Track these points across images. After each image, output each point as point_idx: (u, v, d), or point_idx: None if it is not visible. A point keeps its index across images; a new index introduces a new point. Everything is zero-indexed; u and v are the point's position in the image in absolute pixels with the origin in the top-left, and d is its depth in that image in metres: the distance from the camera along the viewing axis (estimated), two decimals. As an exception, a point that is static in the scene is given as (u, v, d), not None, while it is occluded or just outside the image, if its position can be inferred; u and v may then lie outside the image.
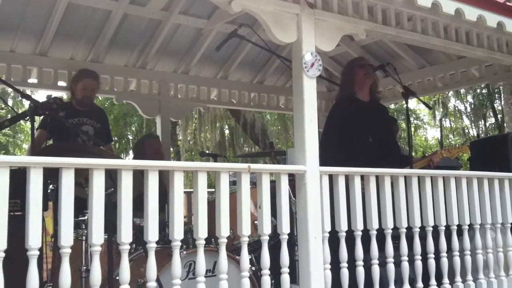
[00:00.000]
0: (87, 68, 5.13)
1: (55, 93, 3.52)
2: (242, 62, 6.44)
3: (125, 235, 2.47)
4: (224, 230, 2.82)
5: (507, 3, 3.89)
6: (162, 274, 3.01)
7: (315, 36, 3.33)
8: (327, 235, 3.21)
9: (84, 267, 3.21)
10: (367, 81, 4.45)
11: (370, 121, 4.34)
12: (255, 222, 3.49)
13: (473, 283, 3.85)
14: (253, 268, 3.63)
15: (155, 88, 6.06)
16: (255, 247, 3.82)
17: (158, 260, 2.60)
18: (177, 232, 2.64)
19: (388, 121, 4.86)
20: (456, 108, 22.32)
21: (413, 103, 19.94)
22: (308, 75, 3.22)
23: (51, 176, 2.67)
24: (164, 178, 2.94)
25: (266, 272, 2.93)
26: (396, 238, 3.55)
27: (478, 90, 19.77)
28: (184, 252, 3.30)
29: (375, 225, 3.42)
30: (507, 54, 4.58)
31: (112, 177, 2.64)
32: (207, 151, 13.71)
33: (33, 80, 5.35)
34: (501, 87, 12.86)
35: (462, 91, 19.22)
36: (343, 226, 3.29)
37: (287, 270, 3.00)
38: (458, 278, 3.80)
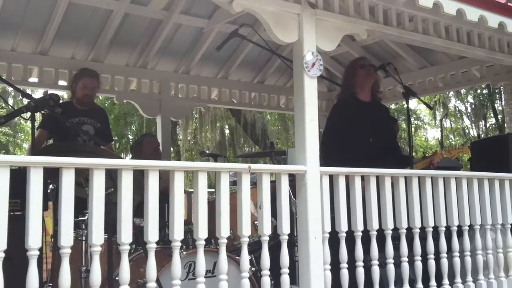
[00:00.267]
0: (87, 67, 5.13)
1: (56, 92, 3.50)
2: (243, 62, 6.44)
3: (125, 235, 2.47)
4: (224, 231, 2.82)
5: (509, 4, 3.89)
6: (162, 275, 3.01)
7: (316, 36, 3.33)
8: (327, 235, 3.21)
9: (84, 267, 3.20)
10: (368, 81, 4.45)
11: (371, 121, 4.33)
12: (255, 222, 3.48)
13: (473, 284, 3.85)
14: (253, 269, 3.63)
15: (155, 87, 6.06)
16: (255, 248, 3.81)
17: (158, 260, 2.60)
18: (177, 233, 2.64)
19: (389, 121, 4.85)
20: (457, 109, 22.33)
21: (413, 103, 19.96)
22: (309, 75, 3.22)
23: (51, 175, 2.66)
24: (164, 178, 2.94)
25: (266, 272, 2.93)
26: (396, 239, 3.55)
27: (479, 91, 19.78)
28: (184, 253, 3.29)
29: (375, 225, 3.42)
30: (508, 54, 4.58)
31: (112, 177, 2.64)
32: (207, 151, 13.72)
33: (33, 79, 5.35)
34: (501, 87, 12.87)
35: (463, 91, 19.24)
36: (343, 227, 3.29)
37: (287, 270, 3.00)
38: (458, 279, 3.79)
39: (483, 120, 21.52)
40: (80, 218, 3.24)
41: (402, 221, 3.54)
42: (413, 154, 4.71)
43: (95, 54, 5.51)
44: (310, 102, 3.22)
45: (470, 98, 21.27)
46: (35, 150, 3.58)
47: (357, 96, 4.43)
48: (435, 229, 3.75)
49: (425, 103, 5.07)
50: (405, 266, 3.51)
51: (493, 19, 3.74)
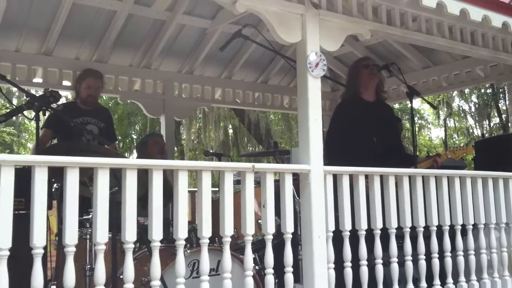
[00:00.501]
0: (91, 67, 5.14)
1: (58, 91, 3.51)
2: (246, 62, 6.45)
3: (130, 234, 2.48)
4: (228, 229, 2.83)
5: (512, 4, 3.89)
6: (166, 273, 3.02)
7: (320, 36, 3.33)
8: (331, 234, 3.21)
9: (88, 266, 3.22)
10: (372, 81, 4.45)
11: (375, 121, 4.34)
12: (259, 221, 3.49)
13: (477, 283, 3.84)
14: (257, 267, 3.64)
15: (159, 87, 6.08)
16: (259, 246, 3.82)
17: (162, 259, 2.61)
18: (182, 231, 2.65)
19: (393, 121, 4.85)
20: (461, 108, 22.28)
21: (417, 102, 19.96)
22: (312, 75, 3.23)
23: (56, 175, 2.68)
24: (168, 177, 2.95)
25: (269, 271, 2.94)
26: (400, 238, 3.55)
27: (483, 90, 19.72)
28: (188, 251, 3.30)
29: (379, 224, 3.42)
30: (512, 54, 4.58)
31: (116, 176, 2.65)
32: (211, 151, 13.72)
33: (38, 79, 5.37)
34: (505, 87, 12.85)
35: (467, 91, 19.19)
36: (347, 226, 3.29)
37: (291, 269, 3.01)
38: (462, 278, 3.79)
39: (487, 120, 21.46)
40: (84, 217, 3.25)
41: (406, 220, 3.54)
42: (417, 153, 4.70)
43: (99, 54, 5.53)
44: (314, 102, 3.23)
45: (474, 98, 21.22)
46: (39, 149, 3.60)
47: (361, 95, 4.43)
48: (439, 228, 3.75)
49: (429, 103, 5.05)
50: (409, 265, 3.51)
51: (497, 19, 3.74)
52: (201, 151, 17.07)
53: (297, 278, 3.22)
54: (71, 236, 2.32)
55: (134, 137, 20.77)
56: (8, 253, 2.14)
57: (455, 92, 18.78)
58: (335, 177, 3.32)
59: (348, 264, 3.25)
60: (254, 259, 3.66)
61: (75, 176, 2.35)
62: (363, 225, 3.35)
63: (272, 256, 2.96)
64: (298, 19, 3.28)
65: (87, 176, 2.91)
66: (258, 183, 3.16)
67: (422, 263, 3.58)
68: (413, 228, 3.60)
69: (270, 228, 2.99)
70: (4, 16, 4.71)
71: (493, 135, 19.83)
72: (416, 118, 21.24)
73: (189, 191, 2.83)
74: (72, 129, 4.22)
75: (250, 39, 4.63)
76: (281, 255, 3.03)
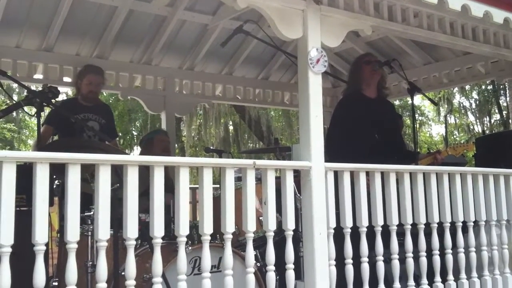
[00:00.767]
0: (92, 64, 5.14)
1: (61, 89, 3.51)
2: (247, 58, 6.44)
3: (131, 230, 2.48)
4: (229, 226, 2.82)
5: (514, 0, 3.88)
6: (168, 270, 3.02)
7: (321, 32, 3.33)
8: (332, 231, 3.21)
9: (90, 263, 3.22)
10: (374, 77, 4.44)
11: (376, 117, 4.33)
12: (260, 218, 3.49)
13: (478, 279, 3.85)
14: (258, 264, 3.64)
15: (160, 84, 6.07)
16: (260, 243, 3.82)
17: (163, 255, 2.61)
18: (183, 228, 2.65)
19: (394, 117, 4.84)
20: (461, 104, 22.26)
21: (418, 99, 19.94)
22: (313, 71, 3.23)
23: (57, 171, 2.68)
24: (170, 173, 2.95)
25: (271, 268, 2.94)
26: (401, 235, 3.55)
27: (483, 87, 19.71)
28: (190, 248, 3.30)
29: (380, 221, 3.42)
30: (513, 50, 4.57)
31: (117, 172, 2.65)
32: (212, 147, 13.72)
33: (38, 75, 5.37)
34: (506, 83, 12.83)
35: (467, 87, 19.17)
36: (348, 223, 3.29)
37: (292, 266, 3.01)
38: (463, 275, 3.79)
39: (487, 116, 21.45)
40: (86, 214, 3.25)
41: (407, 217, 3.54)
42: (418, 150, 4.69)
43: (100, 50, 5.52)
44: (315, 98, 3.23)
45: (474, 94, 21.20)
46: (40, 146, 3.60)
47: (362, 92, 4.43)
48: (440, 225, 3.75)
49: (429, 99, 5.06)
50: (410, 262, 3.52)
51: (498, 15, 3.73)
52: (201, 147, 17.08)
53: (298, 275, 3.22)
54: (73, 233, 2.31)
55: (135, 133, 20.78)
56: (10, 250, 2.14)
57: (456, 89, 18.79)
58: (336, 173, 3.31)
59: (349, 261, 3.25)
60: (255, 256, 3.65)
61: (76, 173, 2.35)
62: (364, 222, 3.35)
63: (273, 253, 2.96)
64: (299, 14, 3.28)
65: (88, 173, 2.91)
66: (259, 180, 3.16)
67: (423, 260, 3.58)
68: (414, 225, 3.59)
69: (271, 225, 2.99)
70: (5, 12, 4.71)
71: (493, 131, 19.81)
72: (416, 115, 21.20)
73: (190, 188, 2.82)
74: (73, 126, 4.22)
75: (251, 35, 4.62)
76: (282, 252, 3.03)
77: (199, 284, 2.69)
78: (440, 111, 21.87)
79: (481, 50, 4.42)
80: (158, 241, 2.57)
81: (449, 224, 3.79)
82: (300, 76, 3.32)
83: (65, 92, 13.68)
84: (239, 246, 3.76)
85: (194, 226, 3.37)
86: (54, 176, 3.15)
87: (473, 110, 21.90)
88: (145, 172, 2.64)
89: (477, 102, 21.36)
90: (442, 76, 6.37)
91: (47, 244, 2.27)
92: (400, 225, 3.53)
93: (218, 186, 3.63)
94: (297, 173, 3.25)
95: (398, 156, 4.32)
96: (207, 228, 2.74)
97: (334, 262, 3.18)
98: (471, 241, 3.88)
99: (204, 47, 5.94)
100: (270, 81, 6.94)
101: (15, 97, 15.46)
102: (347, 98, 4.54)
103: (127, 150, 18.80)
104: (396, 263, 3.45)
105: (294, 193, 3.19)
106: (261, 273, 3.46)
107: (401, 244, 3.52)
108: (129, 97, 6.26)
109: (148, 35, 5.62)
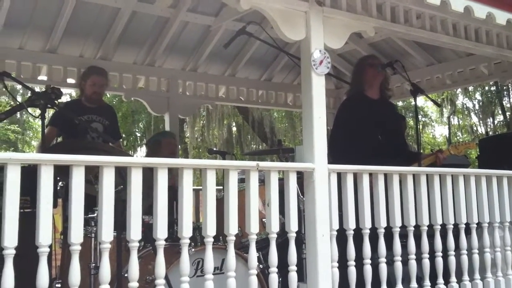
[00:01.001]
0: (96, 65, 5.15)
1: (65, 90, 3.52)
2: (250, 59, 6.44)
3: (134, 232, 2.49)
4: (232, 228, 2.83)
5: (517, 1, 3.87)
6: (171, 272, 3.02)
7: (324, 33, 3.33)
8: (335, 233, 3.21)
9: (93, 264, 3.22)
10: (377, 79, 4.44)
11: (379, 118, 4.33)
12: (263, 220, 3.49)
13: (480, 282, 3.84)
14: (261, 266, 3.64)
15: (163, 85, 6.08)
16: (263, 245, 3.82)
17: (166, 257, 2.61)
18: (186, 230, 2.66)
19: (397, 118, 4.84)
20: (464, 106, 22.23)
21: (421, 100, 19.85)
22: (316, 72, 3.23)
23: (61, 173, 2.68)
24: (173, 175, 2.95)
25: (273, 270, 2.94)
26: (403, 237, 3.55)
27: (487, 88, 19.66)
28: (193, 250, 3.31)
29: (383, 223, 3.42)
30: (516, 51, 4.56)
31: (121, 174, 2.65)
32: (215, 149, 13.72)
33: (42, 77, 5.37)
34: (510, 84, 12.80)
35: (471, 88, 19.12)
36: (351, 224, 3.29)
37: (295, 268, 3.01)
38: (465, 277, 3.79)
39: (491, 117, 21.40)
40: (89, 215, 3.26)
41: (410, 219, 3.54)
42: (421, 151, 4.69)
43: (103, 52, 5.53)
44: (318, 100, 3.23)
45: (478, 95, 21.16)
46: (44, 147, 3.60)
47: (365, 93, 4.43)
48: (443, 226, 3.75)
49: (432, 101, 5.02)
50: (413, 263, 3.51)
51: (501, 16, 3.73)
52: (204, 149, 17.08)
53: (301, 277, 3.22)
54: (77, 234, 2.32)
55: (138, 135, 20.81)
56: (14, 251, 2.15)
57: (459, 90, 18.73)
58: (339, 175, 3.31)
59: (352, 263, 3.25)
60: (258, 257, 3.65)
61: (81, 175, 2.36)
62: (367, 224, 3.35)
63: (276, 255, 2.96)
64: (302, 16, 3.28)
65: (92, 175, 2.91)
66: (262, 182, 3.16)
67: (426, 262, 3.58)
68: (417, 227, 3.59)
69: (274, 227, 3.00)
70: (9, 14, 4.72)
71: (497, 133, 19.77)
72: (420, 116, 21.19)
73: (193, 190, 2.83)
74: (77, 127, 4.23)
75: (254, 36, 4.63)
76: (285, 254, 3.03)
77: (201, 286, 2.70)
78: (443, 112, 21.83)
79: (484, 51, 4.42)
80: (161, 243, 2.57)
81: (452, 226, 3.79)
82: (303, 78, 3.32)
83: (68, 94, 13.71)
84: (242, 248, 3.76)
85: (197, 227, 3.37)
86: (58, 178, 3.15)
87: (476, 111, 21.87)
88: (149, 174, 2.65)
89: (480, 103, 21.32)
90: (445, 77, 6.35)
91: (50, 246, 2.27)
92: (403, 227, 3.52)
93: (221, 188, 3.63)
94: (300, 175, 3.26)
95: (401, 157, 4.32)
96: (210, 230, 2.74)
97: (336, 264, 3.18)
98: (474, 243, 3.88)
99: (207, 49, 5.94)
100: (273, 82, 6.94)
101: (19, 98, 15.49)
102: (350, 99, 4.54)
103: (130, 152, 18.84)
104: (398, 265, 3.45)
105: (297, 195, 3.19)
106: (263, 275, 3.46)
107: (404, 246, 3.52)
108: (132, 99, 6.27)
109: (151, 37, 5.63)
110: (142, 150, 20.87)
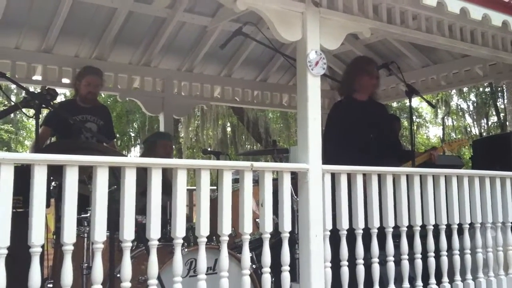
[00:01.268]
0: (91, 65, 5.13)
1: (56, 89, 3.51)
2: (246, 60, 6.45)
3: (127, 232, 2.48)
4: (226, 228, 2.83)
5: (513, 2, 3.89)
6: (163, 272, 3.02)
7: (320, 34, 3.34)
8: (328, 233, 3.22)
9: (86, 264, 3.21)
10: (372, 88, 4.45)
11: (370, 119, 4.35)
12: (257, 220, 3.49)
13: (472, 282, 3.86)
14: (254, 266, 3.64)
15: (158, 85, 6.07)
16: (256, 245, 3.82)
17: (159, 257, 2.61)
18: (179, 230, 2.65)
19: (387, 118, 4.83)
20: (459, 107, 22.29)
21: (416, 101, 19.92)
22: (312, 73, 3.23)
23: (54, 173, 2.67)
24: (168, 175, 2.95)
25: (266, 270, 2.94)
26: (396, 237, 3.56)
27: (481, 89, 19.73)
28: (186, 250, 3.30)
29: (376, 223, 3.43)
30: (511, 53, 4.57)
31: (115, 174, 2.65)
32: (209, 149, 13.71)
33: (37, 77, 5.37)
34: (504, 85, 12.84)
35: (465, 89, 19.19)
36: (344, 225, 3.29)
37: (288, 268, 3.02)
38: (457, 277, 3.81)
39: (485, 118, 21.47)
40: (82, 215, 3.25)
41: (403, 219, 3.55)
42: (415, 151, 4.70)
43: (99, 52, 5.52)
44: (313, 101, 3.24)
45: (472, 96, 21.21)
46: (38, 147, 3.59)
47: (355, 96, 4.44)
48: (436, 227, 3.76)
49: (427, 102, 5.04)
50: (405, 264, 3.52)
51: (497, 18, 3.74)
52: (199, 149, 17.07)
53: (294, 277, 3.22)
54: (70, 234, 2.32)
55: (132, 135, 20.76)
56: (6, 251, 2.15)
57: (454, 91, 18.80)
58: (333, 175, 3.32)
59: (344, 263, 3.26)
60: (251, 258, 3.65)
61: (74, 175, 2.35)
62: (360, 224, 3.36)
63: (269, 255, 2.97)
64: (298, 17, 3.28)
65: (86, 174, 2.91)
66: (256, 182, 3.16)
67: (418, 262, 3.59)
68: (410, 227, 3.60)
69: (267, 227, 3.00)
70: (5, 13, 4.71)
71: (491, 134, 19.84)
72: (414, 117, 21.25)
73: (187, 190, 2.82)
74: (71, 127, 4.21)
75: (250, 37, 4.62)
76: (278, 254, 3.03)
77: (194, 286, 2.70)
78: (438, 113, 21.90)
79: (480, 53, 4.44)
80: (154, 243, 2.57)
81: (444, 226, 3.80)
82: (298, 78, 3.32)
83: (63, 93, 13.68)
84: (235, 248, 3.76)
85: (190, 228, 3.36)
86: (51, 178, 3.14)
87: (470, 112, 21.92)
88: (142, 174, 2.64)
89: (475, 104, 21.38)
90: (440, 78, 6.38)
91: (42, 246, 2.27)
92: (396, 227, 3.53)
93: (215, 188, 3.63)
94: (294, 175, 3.26)
95: (395, 156, 4.34)
96: (204, 230, 2.74)
97: (329, 264, 3.19)
98: (467, 243, 3.89)
99: (203, 49, 5.94)
100: (269, 83, 6.95)
101: (13, 98, 15.45)
102: (341, 104, 4.57)
103: (124, 152, 18.79)
104: (391, 265, 3.46)
105: (291, 195, 3.19)
106: (256, 275, 3.46)
107: (397, 246, 3.53)
108: (127, 99, 6.25)
109: (147, 37, 5.62)
110: (136, 150, 20.85)
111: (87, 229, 3.23)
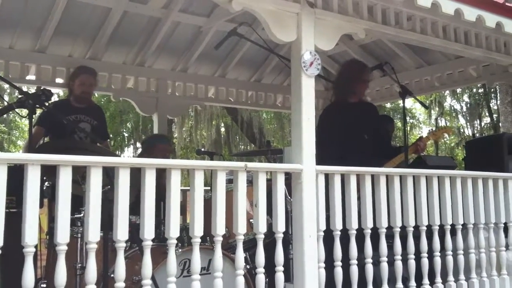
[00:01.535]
0: (85, 65, 5.12)
1: (51, 89, 3.49)
2: (241, 60, 6.44)
3: (121, 232, 2.48)
4: (220, 229, 2.83)
5: (507, 4, 3.90)
6: (157, 272, 3.01)
7: (315, 35, 3.34)
8: (322, 233, 3.22)
9: (79, 264, 3.21)
10: (364, 92, 4.51)
11: (362, 120, 4.38)
12: (251, 220, 3.49)
13: (465, 282, 3.87)
14: (248, 266, 3.64)
15: (153, 85, 6.06)
16: (250, 246, 3.82)
17: (153, 258, 2.61)
18: (173, 230, 2.65)
19: (376, 119, 4.85)
20: (452, 108, 22.35)
21: (409, 102, 19.96)
22: (307, 74, 3.24)
23: (47, 173, 2.67)
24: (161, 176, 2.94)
25: (260, 270, 2.95)
26: (389, 237, 3.57)
27: (474, 90, 19.80)
28: (179, 250, 3.30)
29: (369, 224, 3.43)
30: (504, 54, 4.60)
31: (109, 174, 2.64)
32: (203, 149, 13.70)
33: (31, 77, 5.35)
34: (497, 86, 12.90)
35: (459, 90, 19.25)
36: (338, 225, 3.30)
37: (282, 268, 3.02)
38: (450, 277, 3.82)
39: (478, 119, 21.54)
40: (76, 216, 3.24)
41: (396, 220, 3.56)
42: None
43: (93, 52, 5.51)
44: (308, 101, 3.24)
45: (465, 97, 21.29)
46: (31, 147, 3.58)
47: (348, 99, 4.49)
48: (429, 227, 3.77)
49: (421, 103, 5.05)
50: (399, 264, 3.53)
51: (491, 19, 3.76)
52: (193, 149, 17.04)
53: (288, 277, 3.23)
54: (63, 235, 2.31)
55: (126, 135, 20.70)
56: (-1, 251, 2.14)
57: (447, 92, 18.86)
58: (327, 176, 3.32)
59: (338, 263, 3.26)
60: (245, 258, 3.65)
61: (68, 175, 2.35)
62: (354, 225, 3.36)
63: (263, 255, 2.97)
64: (293, 17, 3.28)
65: (79, 175, 2.90)
66: (250, 182, 3.16)
67: (412, 263, 3.60)
68: (403, 228, 3.61)
69: (261, 227, 3.00)
70: (-1, 13, 4.69)
71: (484, 135, 19.91)
72: (407, 117, 21.30)
73: (180, 190, 2.82)
74: (64, 127, 4.20)
75: (245, 38, 4.62)
76: (272, 254, 3.04)
77: (188, 286, 2.70)
78: (431, 114, 21.96)
79: (473, 54, 4.45)
80: (148, 243, 2.57)
81: (437, 227, 3.81)
82: (293, 79, 3.32)
83: (56, 93, 13.62)
84: (229, 248, 3.76)
85: (184, 228, 3.36)
86: (44, 178, 3.13)
87: (464, 113, 21.99)
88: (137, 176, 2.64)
89: (468, 105, 21.46)
90: (434, 79, 6.40)
91: (36, 246, 2.26)
92: (390, 228, 3.54)
93: (209, 188, 3.62)
94: (288, 176, 3.26)
95: (389, 154, 4.39)
96: (198, 230, 2.74)
97: (323, 265, 3.19)
98: (460, 244, 3.90)
99: (197, 49, 5.93)
100: (263, 83, 6.95)
101: (6, 98, 15.39)
102: (332, 107, 4.63)
103: (118, 152, 18.74)
104: (384, 266, 3.47)
105: (285, 196, 3.19)
106: (250, 276, 3.46)
107: (390, 247, 3.54)
108: (121, 99, 6.24)
109: (141, 37, 5.61)
110: (129, 151, 20.79)
111: (81, 229, 3.22)
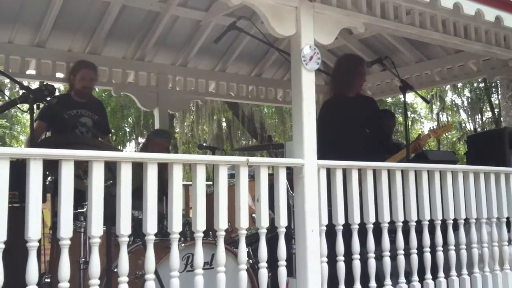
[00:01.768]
0: (85, 59, 5.12)
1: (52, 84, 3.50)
2: (240, 54, 6.44)
3: (124, 227, 2.49)
4: (222, 223, 2.83)
5: (506, -3, 3.90)
6: (160, 266, 3.03)
7: (314, 29, 3.33)
8: (324, 228, 3.22)
9: (83, 259, 3.22)
10: (361, 86, 4.60)
11: (360, 114, 4.40)
12: (253, 215, 3.50)
13: (468, 277, 3.88)
14: (251, 261, 3.65)
15: (153, 80, 6.06)
16: (252, 240, 3.83)
17: (156, 252, 2.61)
18: (176, 225, 2.66)
19: (376, 112, 4.85)
20: (453, 102, 22.34)
21: (410, 96, 19.98)
22: (306, 68, 3.23)
23: (50, 167, 2.67)
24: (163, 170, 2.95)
25: (263, 264, 2.95)
26: (392, 232, 3.57)
27: (475, 84, 19.78)
28: (182, 245, 3.31)
29: (371, 218, 3.44)
30: (504, 48, 4.59)
31: (111, 169, 2.65)
32: (205, 144, 13.71)
33: (31, 71, 5.34)
34: (498, 81, 12.88)
35: (460, 85, 19.23)
36: (340, 220, 3.31)
37: (284, 263, 3.02)
38: (453, 272, 3.82)
39: (479, 114, 21.52)
40: (78, 210, 3.25)
41: (398, 214, 3.56)
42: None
43: (93, 46, 5.50)
44: (308, 96, 3.24)
45: (466, 92, 21.26)
46: (33, 142, 3.58)
47: (347, 93, 4.50)
48: (431, 222, 3.77)
49: (421, 97, 5.07)
50: (401, 259, 3.54)
51: (490, 13, 3.75)
52: (194, 144, 17.05)
53: (290, 271, 3.24)
54: (66, 229, 2.32)
55: (127, 130, 20.69)
56: (3, 246, 2.14)
57: (448, 86, 18.84)
58: (329, 171, 3.33)
59: (341, 258, 3.27)
60: (248, 252, 3.67)
61: (70, 169, 2.35)
62: (356, 219, 3.37)
63: (265, 249, 2.97)
64: (292, 11, 3.28)
65: (81, 169, 2.91)
66: (252, 177, 3.17)
67: (414, 257, 3.60)
68: (405, 223, 3.61)
69: (264, 222, 3.00)
70: (-2, 7, 4.69)
71: (485, 129, 19.90)
72: (409, 112, 21.30)
73: (182, 185, 2.83)
74: (66, 122, 4.20)
75: (244, 32, 4.62)
76: (274, 249, 3.04)
77: (191, 281, 2.70)
78: (433, 108, 21.94)
79: (473, 48, 4.45)
80: (151, 238, 2.57)
81: (440, 222, 3.81)
82: (293, 73, 3.32)
83: (57, 88, 13.60)
84: (231, 243, 3.77)
85: (187, 223, 3.37)
86: (47, 173, 3.14)
87: (465, 108, 21.98)
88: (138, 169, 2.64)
89: (469, 100, 21.44)
90: (434, 74, 6.40)
91: (39, 241, 2.27)
92: (392, 223, 3.55)
93: (211, 183, 3.63)
94: (290, 170, 3.26)
95: (386, 150, 4.40)
96: (200, 225, 2.74)
97: (326, 259, 3.19)
98: (462, 239, 3.91)
99: (197, 44, 5.93)
100: (263, 78, 6.95)
101: (7, 93, 15.38)
102: (332, 100, 4.63)
103: (119, 147, 18.74)
104: (387, 260, 3.47)
105: (287, 190, 3.20)
106: (253, 270, 3.47)
107: (392, 241, 3.54)
108: (122, 93, 6.25)
109: (141, 31, 5.60)
110: (131, 145, 20.79)
111: (84, 224, 3.24)
